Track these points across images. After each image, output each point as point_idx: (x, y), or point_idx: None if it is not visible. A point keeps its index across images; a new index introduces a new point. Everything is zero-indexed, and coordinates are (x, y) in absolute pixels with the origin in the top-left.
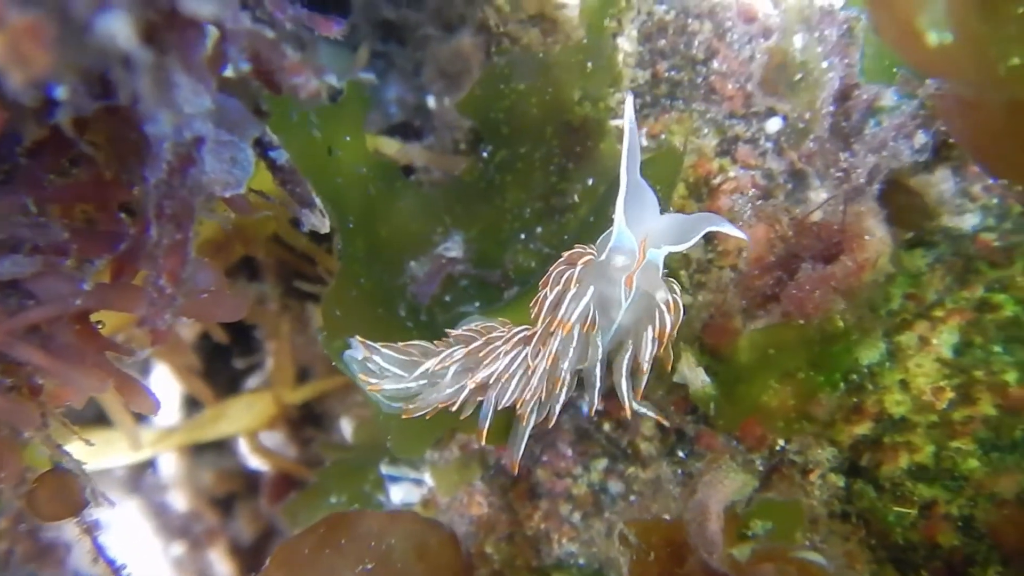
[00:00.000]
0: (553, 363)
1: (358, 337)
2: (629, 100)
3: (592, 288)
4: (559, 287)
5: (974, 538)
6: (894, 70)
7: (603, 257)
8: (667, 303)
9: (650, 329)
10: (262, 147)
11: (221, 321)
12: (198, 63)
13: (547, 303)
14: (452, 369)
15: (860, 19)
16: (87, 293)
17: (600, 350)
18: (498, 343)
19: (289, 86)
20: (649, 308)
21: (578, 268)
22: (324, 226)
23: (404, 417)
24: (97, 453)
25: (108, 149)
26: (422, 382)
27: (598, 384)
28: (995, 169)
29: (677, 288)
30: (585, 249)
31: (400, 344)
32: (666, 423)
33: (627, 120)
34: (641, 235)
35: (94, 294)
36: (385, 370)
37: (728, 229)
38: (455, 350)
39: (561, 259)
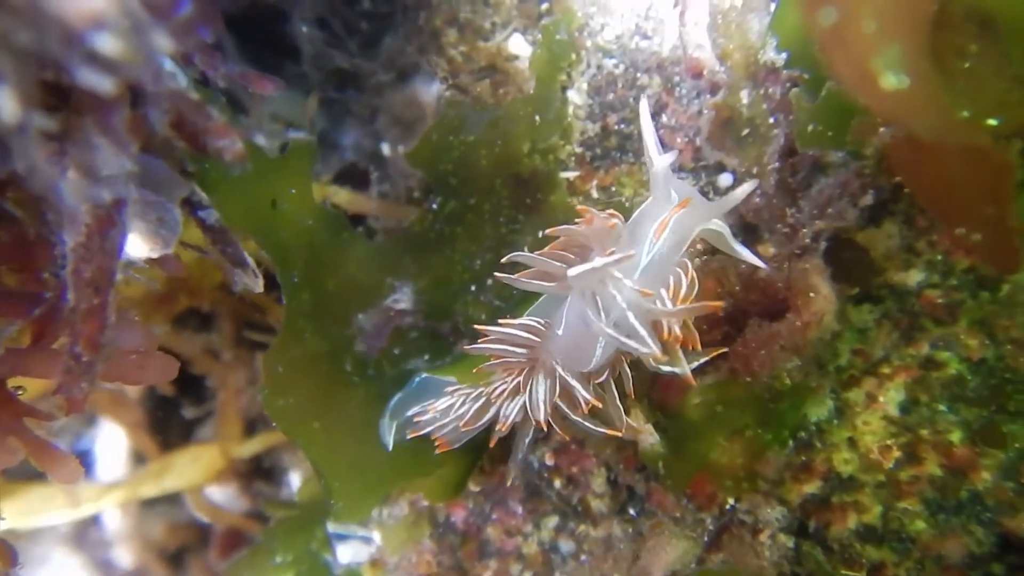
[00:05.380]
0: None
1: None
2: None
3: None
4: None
5: None
6: (828, 134)
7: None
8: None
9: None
10: (191, 207)
11: (149, 384)
12: (116, 126)
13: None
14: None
15: (804, 77)
16: None
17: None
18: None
19: (214, 148)
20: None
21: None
22: (257, 286)
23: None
24: (34, 511)
25: (30, 209)
26: (489, 414)
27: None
28: (950, 217)
29: (690, 265)
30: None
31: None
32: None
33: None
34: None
35: (6, 360)
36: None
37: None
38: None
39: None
